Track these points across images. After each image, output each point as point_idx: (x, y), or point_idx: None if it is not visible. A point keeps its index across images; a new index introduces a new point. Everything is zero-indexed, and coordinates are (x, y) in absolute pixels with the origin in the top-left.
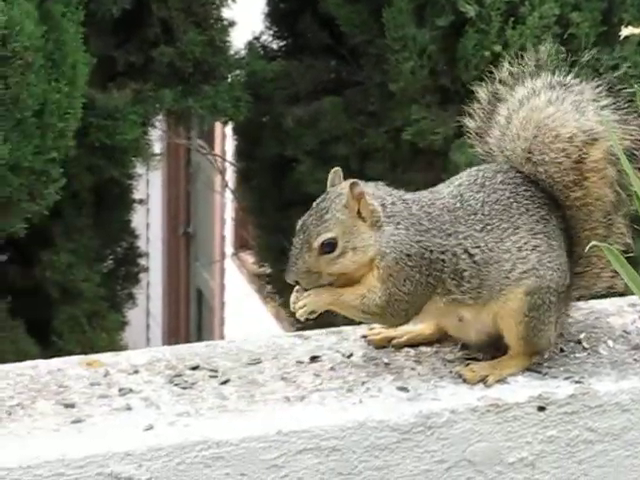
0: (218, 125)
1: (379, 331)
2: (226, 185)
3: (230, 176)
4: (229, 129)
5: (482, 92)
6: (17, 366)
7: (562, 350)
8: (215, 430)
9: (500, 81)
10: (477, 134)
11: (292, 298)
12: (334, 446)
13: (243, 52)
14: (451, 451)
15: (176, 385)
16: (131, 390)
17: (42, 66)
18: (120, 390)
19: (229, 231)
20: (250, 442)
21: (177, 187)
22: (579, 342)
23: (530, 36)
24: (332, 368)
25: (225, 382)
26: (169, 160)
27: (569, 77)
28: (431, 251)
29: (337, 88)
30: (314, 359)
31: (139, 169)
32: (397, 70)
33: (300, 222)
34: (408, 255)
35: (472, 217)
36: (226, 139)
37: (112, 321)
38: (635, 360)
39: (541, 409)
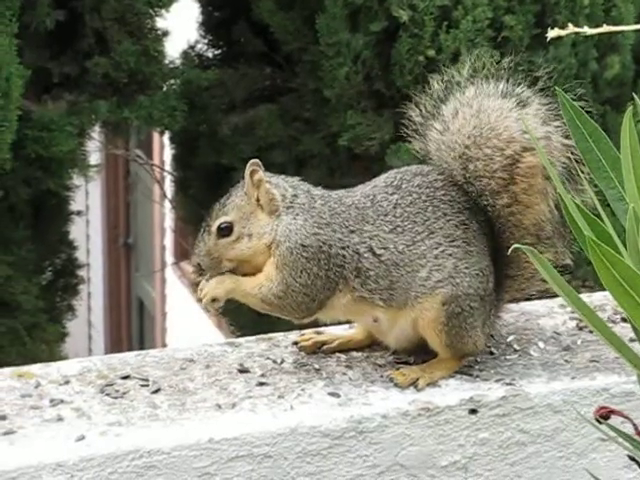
0: (156, 135)
1: (310, 337)
2: (164, 195)
3: (168, 186)
4: (166, 139)
5: (435, 84)
6: None
7: (492, 352)
8: (147, 439)
9: (452, 78)
10: (420, 126)
11: (199, 286)
12: (266, 453)
13: (178, 61)
14: (383, 456)
15: (107, 395)
16: (62, 401)
17: None
18: (51, 401)
19: (169, 241)
20: (182, 450)
21: (116, 198)
22: (510, 344)
23: (464, 40)
24: (263, 375)
25: (156, 391)
26: (108, 171)
27: (520, 87)
28: (330, 245)
29: (272, 95)
30: (245, 366)
31: (77, 180)
32: (332, 76)
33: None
34: (303, 246)
35: (382, 218)
36: (164, 149)
37: (52, 333)
38: (566, 361)
39: (473, 412)
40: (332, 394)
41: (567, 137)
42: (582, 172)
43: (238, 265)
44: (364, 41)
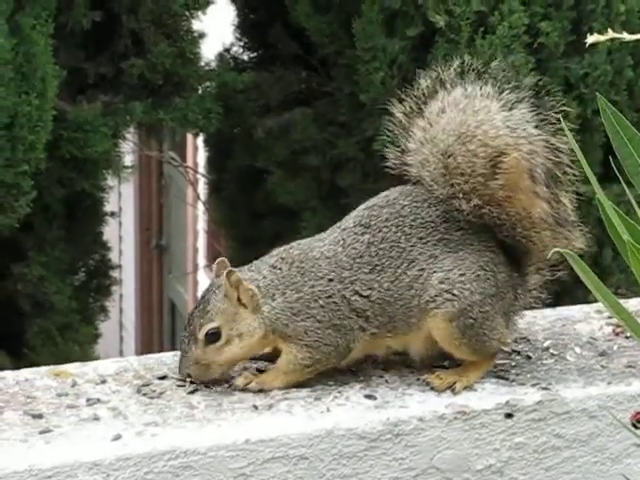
0: (190, 137)
1: None
2: (198, 197)
3: (202, 188)
4: (200, 141)
5: (423, 82)
6: None
7: (529, 357)
8: (183, 439)
9: (439, 78)
10: (405, 122)
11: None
12: (302, 454)
13: (213, 64)
14: (419, 459)
15: (144, 395)
16: (99, 400)
17: (12, 79)
18: (88, 400)
19: (202, 243)
20: (218, 451)
21: (149, 200)
22: (546, 349)
23: (500, 46)
24: None
25: (193, 391)
26: (141, 173)
27: (507, 91)
28: (316, 300)
29: (307, 99)
30: None
31: (111, 182)
32: (367, 80)
33: (187, 315)
34: (295, 314)
35: (358, 260)
36: (198, 151)
37: (84, 334)
38: (602, 366)
39: (508, 416)
40: (368, 396)
41: (553, 139)
42: (567, 174)
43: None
44: (400, 46)
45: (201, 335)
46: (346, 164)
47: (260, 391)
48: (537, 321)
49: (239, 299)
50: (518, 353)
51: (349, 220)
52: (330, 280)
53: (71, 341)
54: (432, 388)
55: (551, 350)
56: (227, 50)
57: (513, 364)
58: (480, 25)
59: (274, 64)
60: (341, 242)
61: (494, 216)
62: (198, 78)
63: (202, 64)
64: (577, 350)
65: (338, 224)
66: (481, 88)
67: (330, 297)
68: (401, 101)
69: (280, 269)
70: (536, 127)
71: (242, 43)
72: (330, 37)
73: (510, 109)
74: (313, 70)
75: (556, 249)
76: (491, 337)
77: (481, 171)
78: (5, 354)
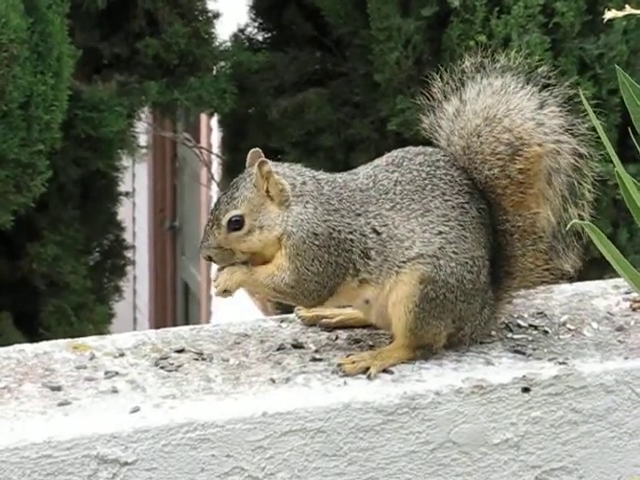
0: (203, 118)
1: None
2: (212, 178)
3: (215, 169)
4: (214, 122)
5: (467, 62)
6: (4, 350)
7: (546, 332)
8: (201, 412)
9: (482, 65)
10: (439, 102)
11: (213, 277)
12: (319, 428)
13: (228, 44)
14: (436, 432)
15: (162, 368)
16: (117, 373)
17: (27, 58)
18: (106, 373)
19: None
20: (236, 424)
21: (163, 181)
22: (563, 324)
23: (515, 26)
24: (317, 350)
25: (210, 365)
26: (155, 154)
27: (545, 91)
28: (339, 231)
29: (322, 79)
30: (299, 342)
31: (125, 162)
32: (382, 61)
33: (216, 199)
34: (315, 234)
35: (383, 196)
36: (211, 132)
37: (99, 313)
38: (619, 342)
39: (525, 390)
40: (385, 370)
41: (580, 148)
42: (584, 186)
43: (249, 257)
44: (415, 26)
45: (224, 221)
46: (360, 144)
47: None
48: (554, 296)
49: (267, 191)
50: (535, 328)
51: (382, 158)
52: (358, 215)
53: (86, 320)
54: (344, 372)
55: (568, 325)
56: (242, 30)
57: (530, 339)
58: (495, 5)
59: (289, 44)
60: (372, 177)
61: (507, 194)
62: (213, 58)
63: (217, 44)
64: (594, 325)
65: (370, 162)
66: (522, 85)
67: (352, 233)
68: (441, 77)
69: (322, 185)
70: (567, 131)
71: (257, 24)
72: (345, 17)
73: (542, 107)
74: (328, 50)
75: (574, 220)
76: (433, 325)
77: (502, 155)
78: (21, 333)
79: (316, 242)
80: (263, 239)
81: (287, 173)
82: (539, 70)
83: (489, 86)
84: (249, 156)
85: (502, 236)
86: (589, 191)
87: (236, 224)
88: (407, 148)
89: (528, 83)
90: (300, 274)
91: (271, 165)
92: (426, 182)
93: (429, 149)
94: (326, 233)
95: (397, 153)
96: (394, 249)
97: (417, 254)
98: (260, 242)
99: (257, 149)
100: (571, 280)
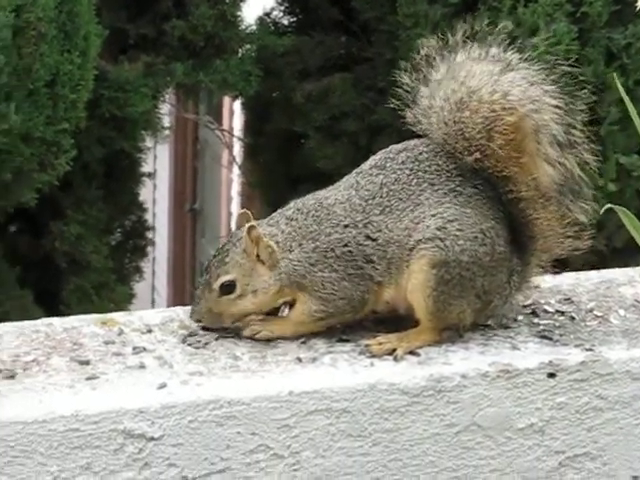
0: (226, 101)
1: None
2: (234, 160)
3: (237, 152)
4: (237, 105)
5: (424, 50)
6: (32, 323)
7: (573, 318)
8: (227, 389)
9: (442, 44)
10: (411, 91)
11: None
12: (345, 408)
13: (254, 27)
14: (461, 415)
15: (189, 345)
16: (145, 349)
17: (55, 37)
18: (134, 349)
19: (235, 207)
20: (262, 402)
21: (184, 163)
22: (590, 310)
23: (542, 14)
24: (344, 331)
25: (237, 343)
26: (177, 136)
27: (509, 52)
28: (332, 249)
29: (347, 64)
30: None
31: (147, 143)
32: (408, 47)
33: (206, 263)
34: (312, 265)
35: (370, 202)
36: (233, 115)
37: (120, 293)
38: None
39: (551, 376)
40: (412, 352)
41: (560, 100)
42: (576, 135)
43: (238, 318)
44: (442, 12)
45: (216, 285)
46: (384, 130)
47: (268, 341)
48: (581, 283)
49: (258, 255)
50: (562, 314)
51: (365, 164)
52: (345, 226)
53: (106, 300)
54: (371, 353)
55: (595, 312)
56: (267, 14)
57: (557, 324)
58: None
59: (314, 29)
60: (355, 185)
61: (498, 170)
62: (239, 41)
63: (243, 27)
64: (621, 312)
65: (354, 170)
66: (486, 52)
67: (346, 245)
68: (413, 67)
69: (296, 220)
70: (545, 88)
71: (283, 7)
72: (371, 2)
73: (512, 70)
74: (353, 35)
75: (609, 205)
76: (456, 304)
77: (479, 135)
78: (41, 311)
79: (315, 270)
80: (257, 302)
81: (271, 232)
82: (499, 27)
83: (450, 68)
84: (237, 217)
85: (511, 205)
86: (585, 137)
87: (227, 288)
88: (390, 148)
89: (492, 47)
90: (322, 298)
91: (259, 229)
92: (411, 178)
93: (411, 143)
94: (321, 257)
95: (380, 155)
96: (396, 251)
97: (416, 241)
98: (254, 305)
99: (246, 211)
100: (596, 268)
